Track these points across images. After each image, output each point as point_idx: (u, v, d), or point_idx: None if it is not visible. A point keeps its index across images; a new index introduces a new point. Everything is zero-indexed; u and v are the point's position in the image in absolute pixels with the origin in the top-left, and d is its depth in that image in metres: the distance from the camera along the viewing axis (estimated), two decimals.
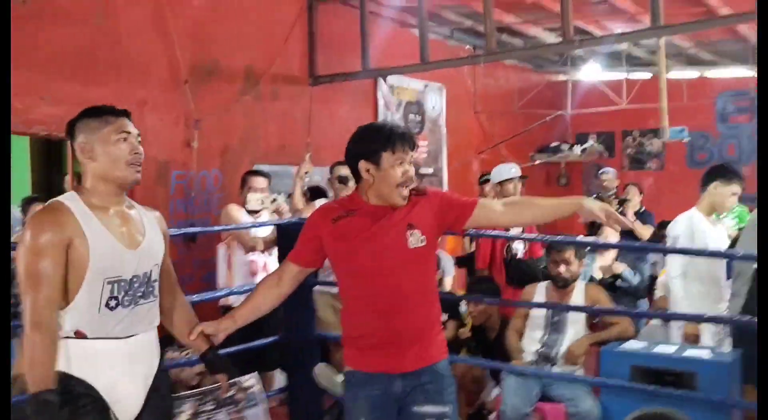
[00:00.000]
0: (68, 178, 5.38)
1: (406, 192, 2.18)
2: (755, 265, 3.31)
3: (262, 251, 3.97)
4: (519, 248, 4.29)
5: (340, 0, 5.99)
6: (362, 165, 2.18)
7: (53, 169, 6.63)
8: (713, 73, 8.42)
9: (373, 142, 2.17)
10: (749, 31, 6.78)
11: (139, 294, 2.01)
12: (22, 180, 5.46)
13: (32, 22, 4.05)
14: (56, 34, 4.22)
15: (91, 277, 1.92)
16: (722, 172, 3.74)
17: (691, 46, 7.47)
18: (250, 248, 3.95)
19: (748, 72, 7.77)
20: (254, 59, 5.46)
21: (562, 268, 3.55)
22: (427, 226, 2.18)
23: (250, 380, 2.17)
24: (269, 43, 5.60)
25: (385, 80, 6.69)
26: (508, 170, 4.49)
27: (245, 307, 2.31)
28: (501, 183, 4.45)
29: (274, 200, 3.88)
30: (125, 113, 2.05)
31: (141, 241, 2.02)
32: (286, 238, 3.52)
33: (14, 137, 5.29)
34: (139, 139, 2.04)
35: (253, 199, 3.86)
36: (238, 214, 4.04)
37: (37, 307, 1.86)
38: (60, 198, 1.97)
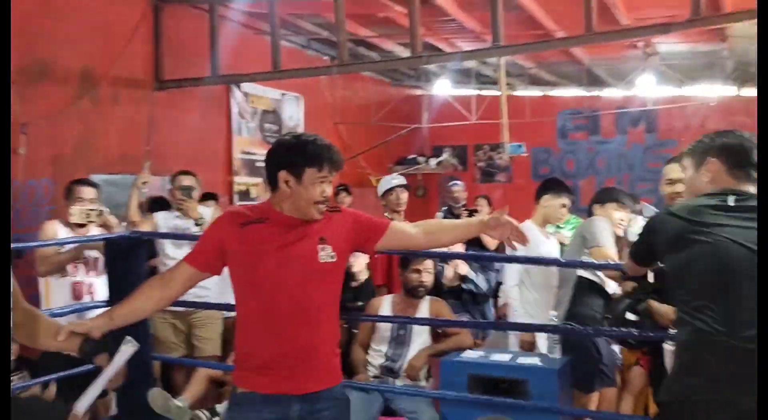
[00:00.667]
0: None
1: (323, 208, 2.11)
2: (579, 273, 3.54)
3: (87, 272, 3.66)
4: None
5: (188, 2, 5.75)
6: (282, 175, 2.07)
7: None
8: (554, 92, 9.03)
9: (301, 155, 2.07)
10: (583, 54, 7.32)
11: None
12: None
13: None
14: None
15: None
16: (552, 185, 3.97)
17: (533, 67, 7.95)
18: (55, 270, 3.58)
19: (584, 92, 8.40)
20: (92, 60, 5.10)
21: (425, 277, 3.61)
22: (339, 243, 2.12)
23: (129, 344, 1.97)
24: (109, 43, 5.26)
25: (238, 87, 6.52)
26: (389, 181, 4.53)
27: (125, 306, 2.12)
28: (384, 194, 4.46)
29: (101, 213, 3.57)
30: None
31: None
32: (116, 254, 3.28)
33: None
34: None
35: (77, 212, 3.51)
36: (54, 230, 3.66)
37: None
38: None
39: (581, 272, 3.53)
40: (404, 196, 4.46)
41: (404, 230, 2.26)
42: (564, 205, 3.89)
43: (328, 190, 2.12)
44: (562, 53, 7.18)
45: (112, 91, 5.28)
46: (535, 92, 8.92)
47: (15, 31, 4.72)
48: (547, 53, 7.04)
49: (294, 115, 7.46)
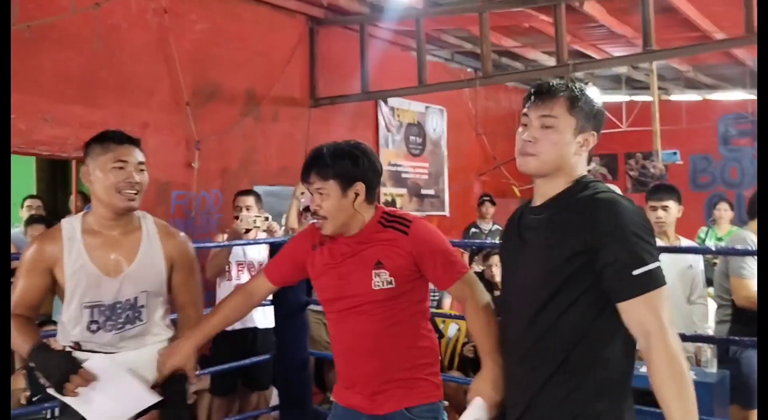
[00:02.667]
0: (73, 198, 5.48)
1: (310, 220, 2.11)
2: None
3: (251, 274, 4.03)
4: None
5: (340, 24, 6.11)
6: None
7: (59, 188, 6.75)
8: (714, 96, 8.47)
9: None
10: (746, 55, 6.83)
11: (123, 319, 2.02)
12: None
13: (36, 46, 4.18)
14: (60, 57, 4.34)
15: (70, 299, 1.99)
16: (649, 191, 3.60)
17: (689, 70, 7.53)
18: (217, 273, 4.02)
19: (747, 95, 7.81)
20: (255, 82, 5.57)
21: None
22: (398, 268, 1.94)
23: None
24: (270, 66, 5.71)
25: (385, 101, 6.80)
26: None
27: (216, 316, 2.15)
28: None
29: (267, 219, 3.93)
30: (130, 141, 2.04)
31: (125, 268, 2.02)
32: None
33: (21, 158, 5.43)
34: (142, 167, 2.03)
35: (245, 218, 3.90)
36: (222, 239, 4.14)
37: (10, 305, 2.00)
38: (64, 220, 2.06)
39: None
40: None
41: (472, 291, 1.94)
42: (653, 208, 3.40)
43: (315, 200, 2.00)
44: (723, 55, 6.75)
45: (272, 109, 5.73)
46: (692, 96, 8.43)
47: (190, 57, 5.30)
48: (705, 55, 6.66)
49: (437, 127, 7.63)
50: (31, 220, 4.71)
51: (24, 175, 6.81)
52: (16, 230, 5.23)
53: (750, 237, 3.22)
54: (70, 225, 2.03)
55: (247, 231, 3.99)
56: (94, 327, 1.99)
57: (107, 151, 2.00)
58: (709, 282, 5.18)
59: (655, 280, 1.42)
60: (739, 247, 3.20)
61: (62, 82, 4.37)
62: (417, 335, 2.00)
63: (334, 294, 2.01)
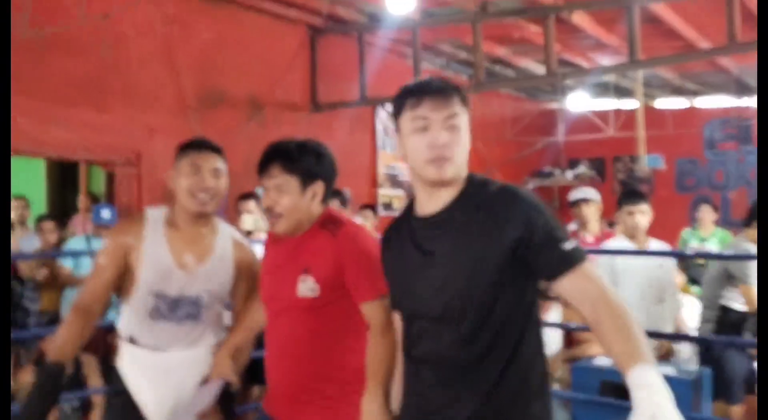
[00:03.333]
0: (81, 198, 5.66)
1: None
2: (722, 303, 3.51)
3: None
4: None
5: (339, 32, 6.32)
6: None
7: (68, 189, 6.93)
8: (700, 102, 8.73)
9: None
10: (731, 62, 7.09)
11: (182, 314, 2.05)
12: (38, 200, 5.74)
13: (47, 53, 4.36)
14: (69, 63, 4.52)
15: (140, 286, 2.03)
16: (622, 195, 3.67)
17: (676, 78, 7.78)
18: None
19: (732, 101, 8.07)
20: (258, 88, 5.77)
21: None
22: (325, 278, 1.83)
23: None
24: (272, 72, 5.91)
25: (383, 107, 7.01)
26: (573, 195, 4.39)
27: (243, 331, 2.12)
28: (572, 205, 4.33)
29: None
30: (209, 148, 2.06)
31: (197, 265, 2.05)
32: None
33: (31, 160, 5.62)
34: (218, 173, 2.03)
35: (248, 220, 4.05)
36: None
37: (81, 293, 2.08)
38: (149, 210, 2.12)
39: (726, 302, 3.52)
40: (587, 210, 4.22)
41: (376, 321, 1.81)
42: (631, 213, 3.47)
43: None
44: (708, 63, 7.00)
45: (274, 114, 5.93)
46: (678, 103, 8.68)
47: (195, 64, 5.49)
48: (692, 63, 6.91)
49: None
50: (42, 218, 4.89)
51: (34, 176, 6.99)
52: (31, 236, 5.38)
53: (748, 247, 3.35)
54: (154, 215, 2.08)
55: (250, 233, 4.17)
56: (156, 315, 2.03)
57: (185, 155, 2.03)
58: (694, 281, 5.41)
59: (582, 253, 1.40)
60: (745, 264, 3.31)
61: (71, 87, 4.55)
62: (344, 351, 1.87)
63: (268, 294, 1.95)
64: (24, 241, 5.11)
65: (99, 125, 4.68)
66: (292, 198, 1.84)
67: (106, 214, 4.15)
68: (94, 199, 5.74)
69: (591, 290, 1.36)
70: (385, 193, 7.19)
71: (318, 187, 1.87)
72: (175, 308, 2.05)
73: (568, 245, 1.38)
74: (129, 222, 2.14)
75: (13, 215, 5.14)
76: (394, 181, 7.31)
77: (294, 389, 1.89)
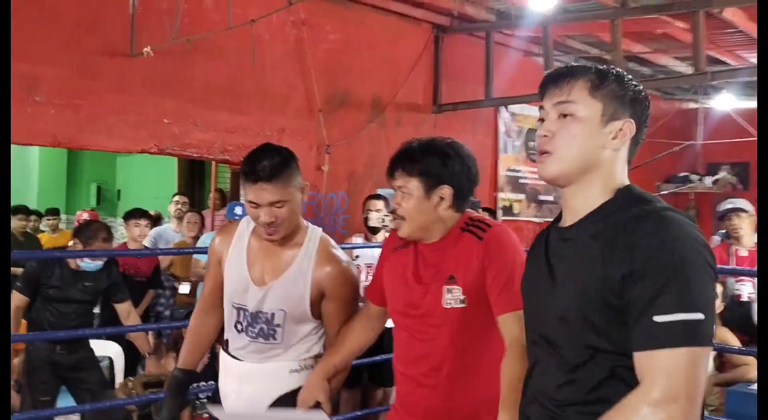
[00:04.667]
0: (212, 195, 5.92)
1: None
2: None
3: (367, 276, 4.22)
4: (744, 290, 4.12)
5: (466, 31, 6.19)
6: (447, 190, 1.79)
7: (197, 186, 7.28)
8: None
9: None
10: None
11: (258, 331, 1.96)
12: (169, 195, 6.05)
13: (190, 58, 4.56)
14: (209, 68, 4.71)
15: (226, 296, 2.03)
16: None
17: None
18: None
19: None
20: (381, 89, 5.77)
21: None
22: (471, 284, 1.70)
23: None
24: (396, 73, 5.89)
25: (506, 107, 6.82)
26: (723, 205, 4.26)
27: (340, 353, 1.96)
28: (723, 216, 4.19)
29: (394, 219, 4.18)
30: (264, 178, 1.83)
31: (270, 280, 1.94)
32: None
33: (165, 158, 5.92)
34: (277, 205, 1.85)
35: (374, 218, 4.25)
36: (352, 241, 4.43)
37: (200, 297, 2.18)
38: (244, 218, 2.05)
39: None
40: (740, 222, 4.08)
41: (509, 328, 1.63)
42: None
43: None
44: None
45: (396, 115, 5.90)
46: None
47: (323, 66, 5.56)
48: None
49: None
50: (182, 214, 5.17)
51: (168, 174, 7.40)
52: (166, 225, 5.71)
53: None
54: (245, 224, 2.01)
55: (377, 231, 4.24)
56: (239, 327, 1.99)
57: (244, 186, 1.89)
58: None
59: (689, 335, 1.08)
60: None
61: (211, 91, 4.74)
62: (489, 368, 1.68)
63: (403, 307, 1.81)
64: (160, 232, 5.42)
65: (234, 127, 4.85)
66: (413, 202, 1.74)
67: (239, 210, 4.28)
68: (223, 197, 5.98)
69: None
70: (505, 196, 7.00)
71: (444, 192, 1.75)
72: (253, 323, 1.96)
73: (672, 318, 1.07)
74: (225, 229, 2.12)
75: (173, 209, 5.46)
76: (516, 185, 7.09)
77: (434, 410, 1.77)
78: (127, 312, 3.67)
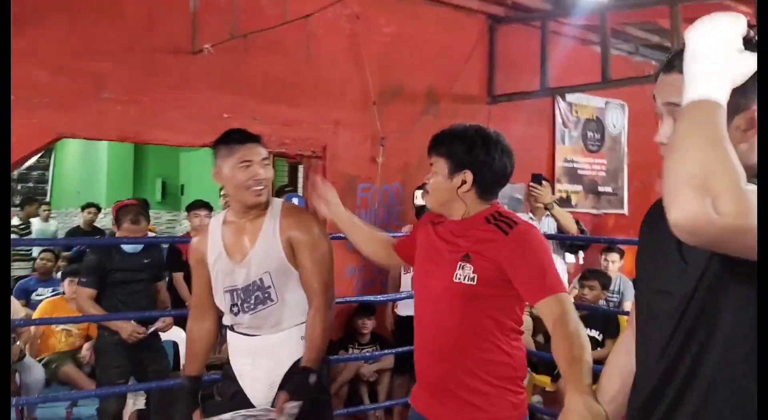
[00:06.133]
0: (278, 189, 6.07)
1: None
2: None
3: None
4: None
5: (521, 21, 6.13)
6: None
7: None
8: None
9: None
10: None
11: (253, 301, 2.12)
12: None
13: (248, 54, 4.69)
14: (267, 62, 4.83)
15: (215, 285, 2.21)
16: None
17: None
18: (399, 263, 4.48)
19: None
20: (435, 80, 5.78)
21: None
22: (484, 268, 1.80)
23: (295, 408, 1.99)
24: (450, 64, 5.89)
25: (563, 98, 6.72)
26: None
27: (362, 228, 2.29)
28: None
29: None
30: (252, 139, 2.11)
31: (249, 251, 2.12)
32: None
33: None
34: (266, 162, 2.11)
35: (418, 195, 4.50)
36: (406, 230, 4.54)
37: (191, 304, 2.36)
38: (214, 217, 2.31)
39: None
40: None
41: (554, 314, 1.70)
42: None
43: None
44: None
45: (450, 106, 5.91)
46: None
47: (377, 59, 5.62)
48: None
49: (617, 123, 7.39)
50: (192, 206, 5.28)
51: None
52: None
53: None
54: (215, 219, 2.24)
55: (422, 208, 4.33)
56: (235, 309, 2.15)
57: (233, 151, 2.07)
58: None
59: None
60: None
61: (269, 85, 4.86)
62: (491, 348, 1.82)
63: (421, 278, 1.94)
64: None
65: (291, 120, 4.97)
66: (438, 179, 1.87)
67: (295, 201, 4.39)
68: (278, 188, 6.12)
69: None
70: (562, 188, 6.90)
71: (466, 176, 1.85)
72: (247, 298, 2.12)
73: None
74: (199, 232, 2.36)
75: (222, 202, 5.64)
76: (573, 176, 6.99)
77: (437, 380, 1.88)
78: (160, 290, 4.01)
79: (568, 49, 6.34)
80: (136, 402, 4.30)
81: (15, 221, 7.07)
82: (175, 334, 4.22)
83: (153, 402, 3.88)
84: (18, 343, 3.98)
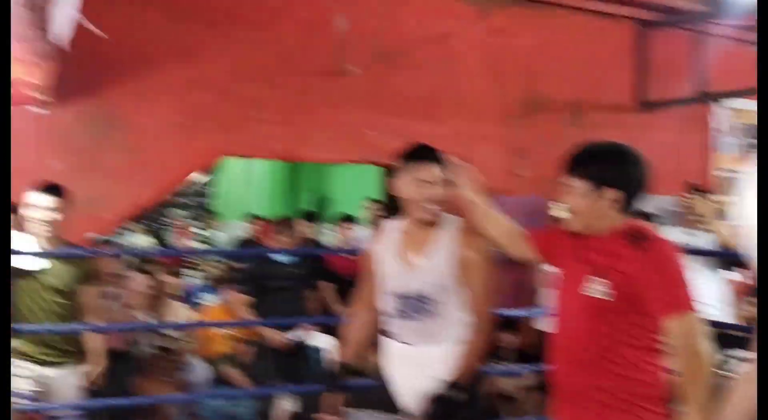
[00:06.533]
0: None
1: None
2: None
3: None
4: None
5: (673, 25, 5.84)
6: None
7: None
8: None
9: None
10: None
11: (415, 311, 2.16)
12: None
13: (390, 72, 4.88)
14: (408, 80, 4.99)
15: (380, 288, 2.26)
16: None
17: None
18: None
19: None
20: (579, 90, 5.65)
21: None
22: (619, 284, 1.81)
23: None
24: (595, 73, 5.73)
25: (720, 103, 6.29)
26: None
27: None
28: None
29: None
30: (433, 158, 2.17)
31: (419, 261, 2.17)
32: None
33: (372, 167, 6.35)
34: (442, 182, 2.14)
35: (554, 209, 4.45)
36: None
37: (355, 297, 2.42)
38: (387, 221, 2.38)
39: None
40: None
41: (687, 335, 1.72)
42: None
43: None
44: None
45: (595, 116, 5.74)
46: None
47: (519, 72, 5.60)
48: None
49: None
50: (379, 219, 5.50)
51: (375, 183, 7.90)
52: (365, 231, 6.08)
53: None
54: (391, 224, 2.31)
55: (558, 220, 4.28)
56: (396, 315, 2.20)
57: (410, 168, 2.15)
58: None
59: None
60: None
61: (409, 102, 5.02)
62: (624, 363, 1.81)
63: (561, 291, 1.96)
64: (362, 236, 5.82)
65: (432, 135, 5.06)
66: (580, 201, 1.86)
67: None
68: None
69: None
70: (719, 199, 6.43)
71: (611, 194, 1.85)
72: (408, 306, 2.17)
73: None
74: (374, 234, 2.39)
75: (367, 215, 5.87)
76: (731, 186, 6.49)
77: (573, 393, 1.88)
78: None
79: (722, 51, 5.93)
80: (287, 404, 4.59)
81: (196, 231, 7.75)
82: (323, 341, 4.45)
83: (303, 405, 4.12)
84: (182, 343, 4.39)
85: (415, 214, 2.18)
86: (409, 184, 2.15)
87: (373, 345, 2.43)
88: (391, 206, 7.05)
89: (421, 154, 2.19)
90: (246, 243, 7.76)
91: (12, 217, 3.44)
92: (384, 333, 2.30)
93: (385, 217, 5.50)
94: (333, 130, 4.76)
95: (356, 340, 2.36)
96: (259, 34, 4.61)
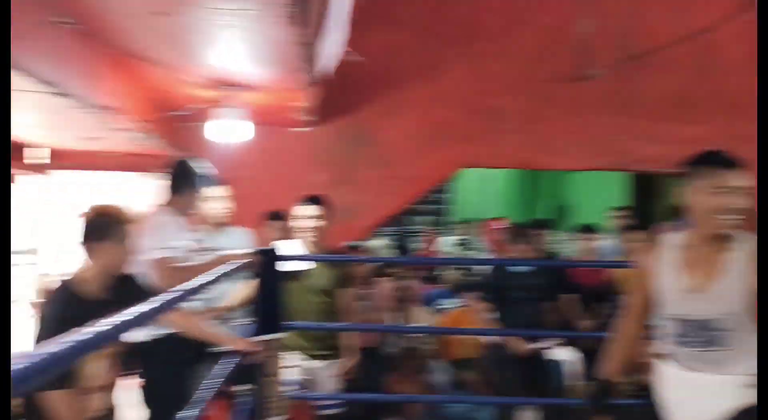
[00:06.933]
0: (665, 210, 5.78)
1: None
2: None
3: None
4: None
5: None
6: None
7: (648, 200, 7.19)
8: None
9: None
10: None
11: (703, 339, 1.98)
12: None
13: (637, 73, 4.61)
14: (658, 80, 4.67)
15: (659, 309, 2.09)
16: None
17: None
18: None
19: None
20: None
21: None
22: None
23: None
24: None
25: None
26: None
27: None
28: None
29: None
30: (734, 164, 1.95)
31: (709, 286, 1.97)
32: None
33: (614, 173, 6.04)
34: (744, 191, 1.93)
35: None
36: None
37: (624, 311, 2.28)
38: (666, 234, 2.15)
39: None
40: None
41: None
42: None
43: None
44: None
45: None
46: None
47: None
48: None
49: None
50: (628, 228, 5.21)
51: (619, 189, 7.51)
52: (608, 242, 5.82)
53: None
54: (670, 239, 2.10)
55: None
56: (678, 341, 2.03)
57: (712, 174, 1.94)
58: None
59: None
60: None
61: (662, 103, 4.69)
62: None
63: None
64: (605, 246, 5.55)
65: (687, 137, 4.70)
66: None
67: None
68: (675, 212, 5.75)
69: None
70: None
71: None
72: (694, 332, 2.01)
73: None
74: (646, 248, 2.18)
75: (614, 223, 5.59)
76: None
77: None
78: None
79: None
80: (528, 416, 4.54)
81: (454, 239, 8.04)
82: (565, 354, 4.34)
83: (545, 418, 4.06)
84: (425, 346, 4.59)
85: (707, 226, 1.98)
86: (705, 193, 1.96)
87: (638, 363, 2.34)
88: (640, 216, 6.68)
89: (721, 159, 1.98)
90: (475, 248, 7.83)
91: (281, 224, 3.91)
92: (661, 355, 2.15)
93: (634, 228, 5.20)
94: (574, 136, 4.64)
95: (621, 357, 2.25)
96: (498, 45, 4.66)
